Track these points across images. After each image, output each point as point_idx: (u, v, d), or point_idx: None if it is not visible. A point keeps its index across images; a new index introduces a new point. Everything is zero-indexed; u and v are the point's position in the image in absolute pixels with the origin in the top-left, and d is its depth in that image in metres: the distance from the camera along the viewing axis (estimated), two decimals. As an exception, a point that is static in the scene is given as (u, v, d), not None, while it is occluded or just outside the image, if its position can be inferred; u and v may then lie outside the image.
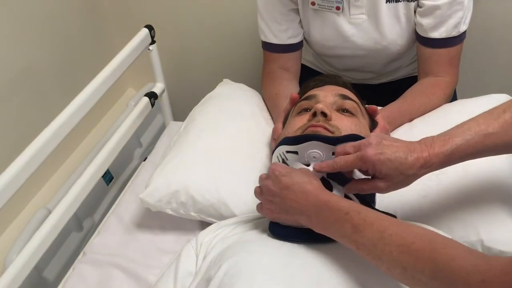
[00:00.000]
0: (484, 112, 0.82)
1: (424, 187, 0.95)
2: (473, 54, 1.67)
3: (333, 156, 0.89)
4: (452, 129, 0.82)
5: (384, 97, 1.25)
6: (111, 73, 1.23)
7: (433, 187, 0.95)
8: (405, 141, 0.83)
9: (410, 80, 1.32)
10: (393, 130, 1.14)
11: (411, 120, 1.17)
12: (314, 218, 0.78)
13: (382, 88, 1.47)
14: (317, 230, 0.78)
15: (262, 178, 0.88)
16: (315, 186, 0.80)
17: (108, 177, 1.71)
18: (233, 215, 1.02)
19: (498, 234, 0.89)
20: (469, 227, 0.90)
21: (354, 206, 0.75)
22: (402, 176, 0.80)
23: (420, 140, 0.82)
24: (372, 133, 0.95)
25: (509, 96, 1.17)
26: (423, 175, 0.82)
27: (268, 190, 0.84)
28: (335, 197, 0.78)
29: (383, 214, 0.74)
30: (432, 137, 0.82)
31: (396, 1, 1.19)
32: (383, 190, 0.83)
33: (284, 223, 0.84)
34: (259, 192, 0.88)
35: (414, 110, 1.17)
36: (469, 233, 0.90)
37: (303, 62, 1.42)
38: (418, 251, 0.65)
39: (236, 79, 1.43)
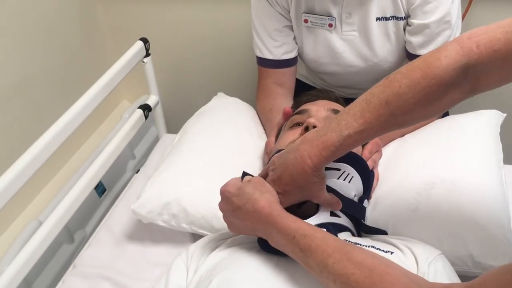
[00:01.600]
0: (361, 101, 0.79)
1: (414, 201, 0.96)
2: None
3: (325, 171, 0.89)
4: (330, 125, 0.80)
5: None
6: (105, 84, 1.24)
7: (423, 202, 0.96)
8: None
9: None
10: (385, 145, 1.15)
11: (402, 135, 1.18)
12: (268, 237, 0.79)
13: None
14: (275, 247, 0.79)
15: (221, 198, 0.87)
16: (266, 202, 0.79)
17: (100, 189, 1.70)
18: (225, 228, 1.01)
19: (488, 249, 0.89)
20: (459, 241, 0.91)
21: (301, 229, 0.74)
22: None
23: (299, 144, 0.83)
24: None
25: (499, 112, 1.18)
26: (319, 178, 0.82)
27: (223, 211, 0.86)
28: (283, 217, 0.77)
29: (330, 238, 0.73)
30: (311, 138, 0.81)
31: (386, 19, 1.21)
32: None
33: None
34: (221, 210, 0.88)
35: None
36: (459, 248, 0.90)
37: (297, 77, 1.44)
38: (357, 282, 0.65)
39: (230, 93, 1.44)
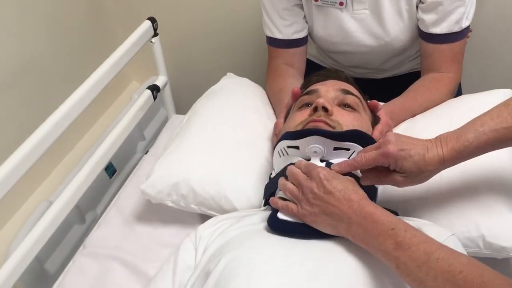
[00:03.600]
0: (499, 105, 0.83)
1: (426, 182, 0.95)
2: (478, 50, 1.66)
3: (334, 151, 0.88)
4: (466, 124, 0.83)
5: (388, 92, 1.24)
6: (113, 64, 1.23)
7: (434, 183, 0.94)
8: (421, 139, 0.84)
9: (414, 75, 1.31)
10: (395, 126, 1.14)
11: (413, 115, 1.16)
12: (355, 227, 0.75)
13: (386, 83, 1.46)
14: (355, 240, 0.76)
15: (302, 178, 0.83)
16: (360, 196, 0.78)
17: (111, 170, 1.71)
18: (234, 209, 1.02)
19: (500, 230, 0.88)
20: (470, 222, 0.90)
21: (401, 223, 0.72)
22: (421, 172, 0.82)
23: (436, 137, 0.83)
24: (388, 132, 0.93)
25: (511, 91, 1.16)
26: (439, 171, 0.83)
27: (310, 192, 0.80)
28: (381, 210, 0.75)
29: (431, 237, 0.71)
30: (447, 133, 0.83)
31: None
32: (400, 184, 0.84)
33: (316, 226, 0.80)
34: (296, 191, 0.84)
35: (416, 106, 1.17)
36: (470, 229, 0.89)
37: (307, 57, 1.42)
38: (465, 281, 0.61)
39: (239, 73, 1.42)
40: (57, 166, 1.76)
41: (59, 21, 1.68)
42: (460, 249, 0.81)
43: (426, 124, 1.10)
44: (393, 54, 1.34)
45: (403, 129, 1.12)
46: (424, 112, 1.16)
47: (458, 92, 1.27)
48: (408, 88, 1.22)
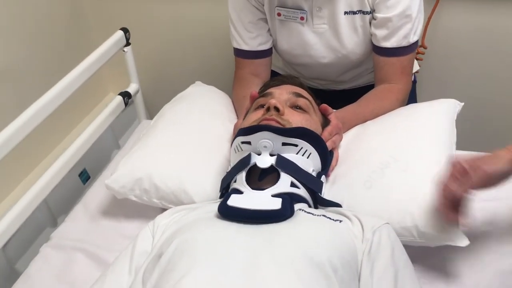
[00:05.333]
0: None
1: (369, 179, 1.03)
2: (435, 64, 1.76)
3: (283, 146, 0.96)
4: None
5: (347, 103, 1.32)
6: (84, 70, 1.30)
7: (377, 179, 1.02)
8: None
9: (371, 87, 1.40)
10: (347, 130, 1.22)
11: (365, 121, 1.25)
12: None
13: (346, 94, 1.54)
14: None
15: None
16: None
17: (84, 176, 1.75)
18: (193, 202, 1.09)
19: (432, 220, 0.95)
20: (406, 213, 0.96)
21: None
22: None
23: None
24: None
25: (456, 101, 1.25)
26: None
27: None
28: None
29: None
30: None
31: (353, 13, 1.28)
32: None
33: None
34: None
35: (367, 112, 1.25)
36: (406, 219, 0.96)
37: (273, 68, 1.50)
38: None
39: (208, 82, 1.50)
40: (33, 169, 1.81)
41: (39, 31, 1.74)
42: (393, 236, 0.89)
43: (375, 128, 1.19)
44: (351, 67, 1.43)
45: (355, 133, 1.21)
46: (375, 119, 1.25)
47: (413, 102, 1.36)
48: (361, 97, 1.31)
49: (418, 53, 1.68)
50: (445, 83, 1.80)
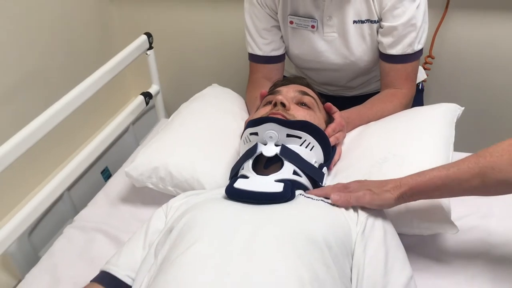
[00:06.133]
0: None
1: (368, 172, 1.10)
2: (442, 73, 1.83)
3: (288, 138, 1.04)
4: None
5: None
6: (108, 70, 1.41)
7: (375, 173, 1.09)
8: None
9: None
10: (351, 130, 1.30)
11: (368, 122, 1.32)
12: None
13: (355, 101, 1.60)
14: None
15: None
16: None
17: (106, 174, 1.86)
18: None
19: (426, 210, 1.02)
20: (402, 205, 1.02)
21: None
22: None
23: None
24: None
25: (457, 106, 1.32)
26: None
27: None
28: None
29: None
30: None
31: (361, 22, 1.35)
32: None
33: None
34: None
35: (371, 114, 1.33)
36: (400, 208, 1.02)
37: (285, 75, 1.59)
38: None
39: (224, 85, 1.59)
40: (60, 164, 1.92)
41: (66, 36, 1.84)
42: (387, 221, 0.96)
43: (377, 128, 1.27)
44: (359, 73, 1.50)
45: (358, 132, 1.29)
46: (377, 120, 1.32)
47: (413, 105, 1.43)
48: (367, 100, 1.38)
49: (426, 62, 1.75)
50: (452, 92, 1.86)
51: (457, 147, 1.23)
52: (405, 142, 1.17)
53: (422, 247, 1.07)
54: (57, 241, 1.20)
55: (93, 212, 1.27)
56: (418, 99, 1.58)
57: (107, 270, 0.95)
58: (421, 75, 1.60)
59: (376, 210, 0.96)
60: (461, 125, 1.31)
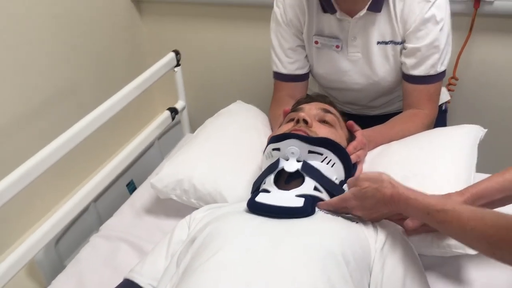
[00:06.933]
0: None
1: None
2: (466, 94, 1.83)
3: (309, 154, 1.06)
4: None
5: None
6: (137, 86, 1.46)
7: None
8: None
9: (401, 114, 1.48)
10: (373, 148, 1.31)
11: (390, 141, 1.33)
12: (406, 213, 0.95)
13: (377, 120, 1.61)
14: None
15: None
16: (389, 190, 0.95)
17: (131, 187, 1.89)
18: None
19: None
20: None
21: (431, 205, 0.87)
22: None
23: None
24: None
25: (480, 127, 1.32)
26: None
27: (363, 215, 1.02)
28: (412, 197, 0.91)
29: (461, 208, 0.83)
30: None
31: (385, 43, 1.38)
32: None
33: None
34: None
35: (393, 133, 1.34)
36: None
37: (309, 93, 1.61)
38: (499, 241, 0.75)
39: (248, 102, 1.63)
40: (88, 176, 1.97)
41: (99, 54, 1.91)
42: (406, 240, 0.97)
43: (399, 147, 1.28)
44: (382, 93, 1.52)
45: (380, 150, 1.30)
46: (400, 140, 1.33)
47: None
48: (389, 120, 1.40)
49: (449, 84, 1.76)
50: (476, 114, 1.86)
51: (479, 169, 1.24)
52: (427, 162, 1.18)
53: (443, 267, 1.07)
54: (83, 249, 1.24)
55: (118, 222, 1.31)
56: (441, 120, 1.58)
57: (131, 278, 0.98)
58: (445, 96, 1.61)
59: (396, 229, 0.97)
60: (484, 147, 1.31)
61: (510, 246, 0.74)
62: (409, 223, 1.00)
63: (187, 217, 1.09)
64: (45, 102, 1.69)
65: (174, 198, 1.26)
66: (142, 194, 1.40)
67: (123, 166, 1.47)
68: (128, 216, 1.33)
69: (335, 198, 1.02)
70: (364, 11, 1.31)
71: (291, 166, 1.06)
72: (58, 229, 1.27)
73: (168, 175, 1.26)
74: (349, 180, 1.04)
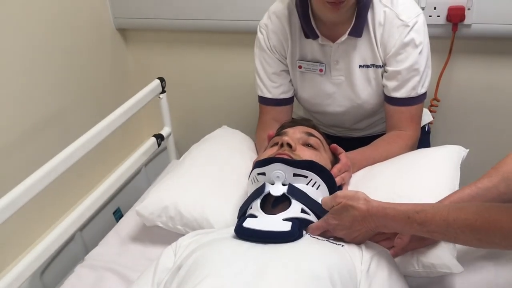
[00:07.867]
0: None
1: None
2: (448, 115, 1.86)
3: (294, 177, 1.07)
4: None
5: None
6: (122, 113, 1.46)
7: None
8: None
9: (385, 135, 1.50)
10: (357, 170, 1.32)
11: (374, 163, 1.35)
12: (383, 228, 0.96)
13: (362, 142, 1.63)
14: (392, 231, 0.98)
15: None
16: (364, 206, 0.97)
17: (118, 214, 1.88)
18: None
19: (431, 250, 1.03)
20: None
21: (410, 209, 0.90)
22: None
23: None
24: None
25: (462, 148, 1.34)
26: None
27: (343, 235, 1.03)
28: (388, 207, 0.94)
29: (439, 205, 0.89)
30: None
31: (367, 67, 1.40)
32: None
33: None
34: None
35: (377, 155, 1.35)
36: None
37: (294, 117, 1.63)
38: (483, 224, 0.78)
39: (234, 127, 1.64)
40: (73, 205, 1.95)
41: (83, 79, 1.91)
42: (392, 261, 0.97)
43: (382, 169, 1.29)
44: (366, 115, 1.54)
45: (364, 172, 1.31)
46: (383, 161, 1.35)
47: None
48: (372, 142, 1.41)
49: (431, 105, 1.78)
50: (458, 134, 1.88)
51: (462, 189, 1.25)
52: (410, 183, 1.19)
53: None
54: (67, 280, 1.22)
55: (104, 251, 1.30)
56: (425, 141, 1.60)
57: None
58: (427, 117, 1.64)
59: (381, 250, 0.97)
60: (466, 167, 1.33)
61: (495, 226, 0.76)
62: (398, 240, 1.01)
63: (173, 244, 1.08)
64: (31, 129, 1.68)
65: (160, 225, 1.25)
66: (128, 222, 1.39)
67: (109, 193, 1.46)
68: (114, 244, 1.31)
69: (319, 221, 1.03)
70: (345, 36, 1.34)
71: (277, 190, 1.06)
72: (43, 259, 1.26)
73: (153, 202, 1.25)
74: (324, 198, 1.05)
